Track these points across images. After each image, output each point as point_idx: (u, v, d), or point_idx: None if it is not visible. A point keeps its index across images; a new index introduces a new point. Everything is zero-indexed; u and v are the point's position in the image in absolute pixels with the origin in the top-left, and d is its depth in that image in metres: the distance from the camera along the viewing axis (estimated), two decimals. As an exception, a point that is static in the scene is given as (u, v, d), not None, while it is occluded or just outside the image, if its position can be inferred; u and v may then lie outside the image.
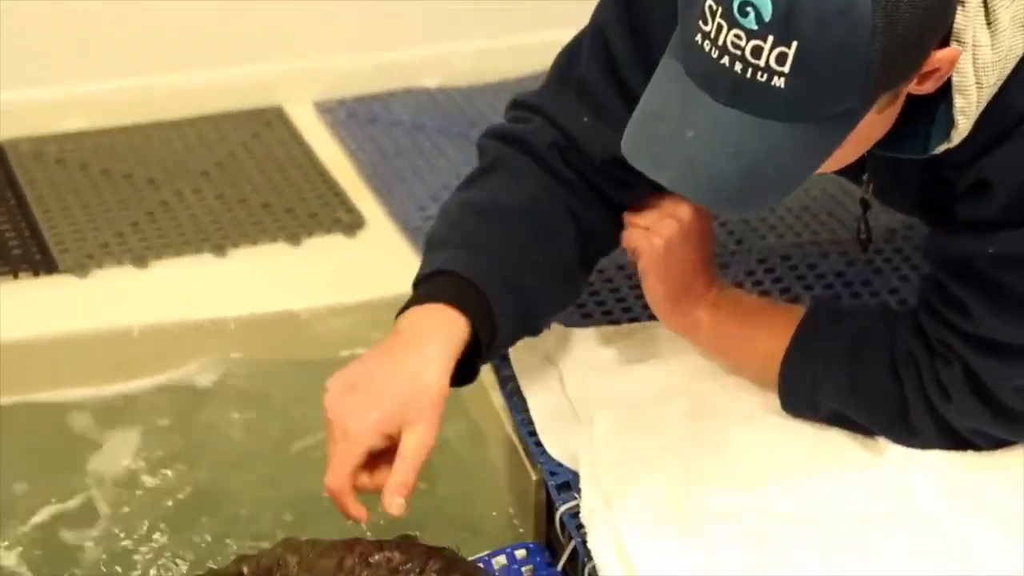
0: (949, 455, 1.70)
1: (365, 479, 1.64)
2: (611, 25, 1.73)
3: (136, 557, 1.89)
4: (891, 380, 1.67)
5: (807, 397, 1.74)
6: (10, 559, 1.88)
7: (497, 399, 1.97)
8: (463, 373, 1.73)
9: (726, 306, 1.83)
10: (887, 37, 1.33)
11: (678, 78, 1.43)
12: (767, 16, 1.33)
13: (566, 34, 1.86)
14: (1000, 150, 1.52)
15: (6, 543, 1.89)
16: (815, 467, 1.73)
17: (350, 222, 2.38)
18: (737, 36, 1.35)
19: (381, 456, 1.65)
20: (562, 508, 1.77)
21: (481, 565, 1.74)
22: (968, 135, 1.51)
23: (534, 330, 1.85)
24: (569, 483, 1.80)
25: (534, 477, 1.85)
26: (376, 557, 1.57)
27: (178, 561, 1.88)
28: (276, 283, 2.25)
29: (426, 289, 1.74)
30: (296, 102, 2.73)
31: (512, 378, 1.97)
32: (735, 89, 1.38)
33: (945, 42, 1.43)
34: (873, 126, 1.47)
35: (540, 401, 1.92)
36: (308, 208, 2.42)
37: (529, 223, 1.79)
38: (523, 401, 1.94)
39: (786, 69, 1.35)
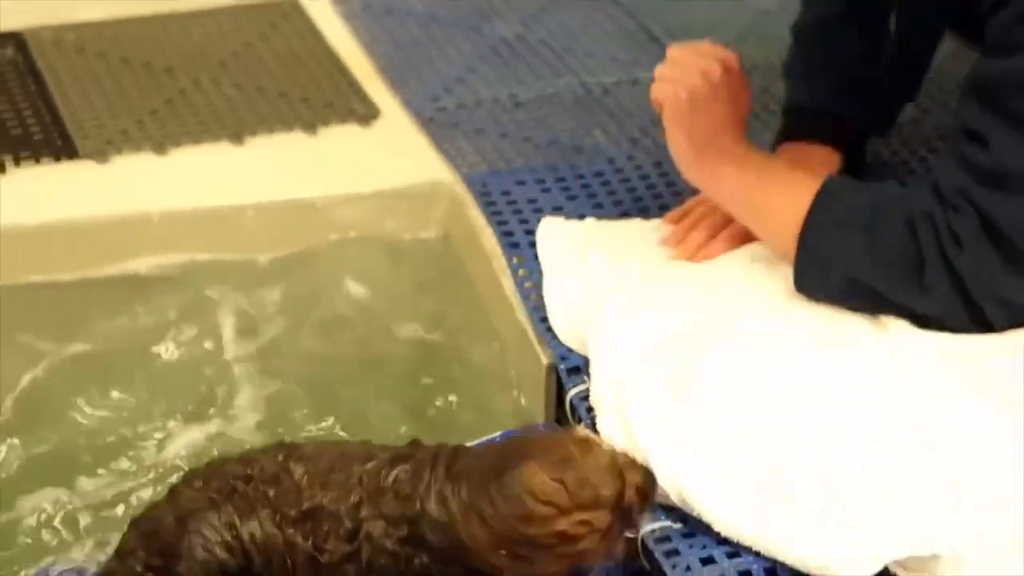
0: (956, 339, 1.72)
1: None
2: None
3: (147, 439, 1.94)
4: (908, 239, 1.68)
5: (822, 264, 1.75)
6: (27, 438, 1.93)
7: (508, 285, 2.00)
8: None
9: (753, 167, 1.83)
10: None
11: None
12: None
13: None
14: None
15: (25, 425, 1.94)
16: (821, 351, 1.75)
17: (365, 112, 2.40)
18: None
19: None
20: (572, 392, 1.80)
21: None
22: None
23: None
24: (579, 367, 1.83)
25: (544, 362, 1.88)
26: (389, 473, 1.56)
27: (189, 442, 1.93)
28: (292, 171, 2.27)
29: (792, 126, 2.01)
30: (311, -6, 2.75)
31: (523, 264, 2.01)
32: None
33: None
34: None
35: (555, 285, 1.94)
36: (324, 98, 2.43)
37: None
38: (534, 287, 1.97)
39: None
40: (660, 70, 1.84)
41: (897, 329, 1.74)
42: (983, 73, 1.65)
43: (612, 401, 1.72)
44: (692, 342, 1.78)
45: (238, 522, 1.54)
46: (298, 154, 2.31)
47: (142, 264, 2.17)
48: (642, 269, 1.92)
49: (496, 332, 2.07)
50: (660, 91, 1.83)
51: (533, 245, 2.03)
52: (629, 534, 1.56)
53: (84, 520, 1.80)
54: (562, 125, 2.34)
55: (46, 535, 1.77)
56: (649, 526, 1.61)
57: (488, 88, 2.45)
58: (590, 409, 1.75)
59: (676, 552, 1.57)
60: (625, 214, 2.10)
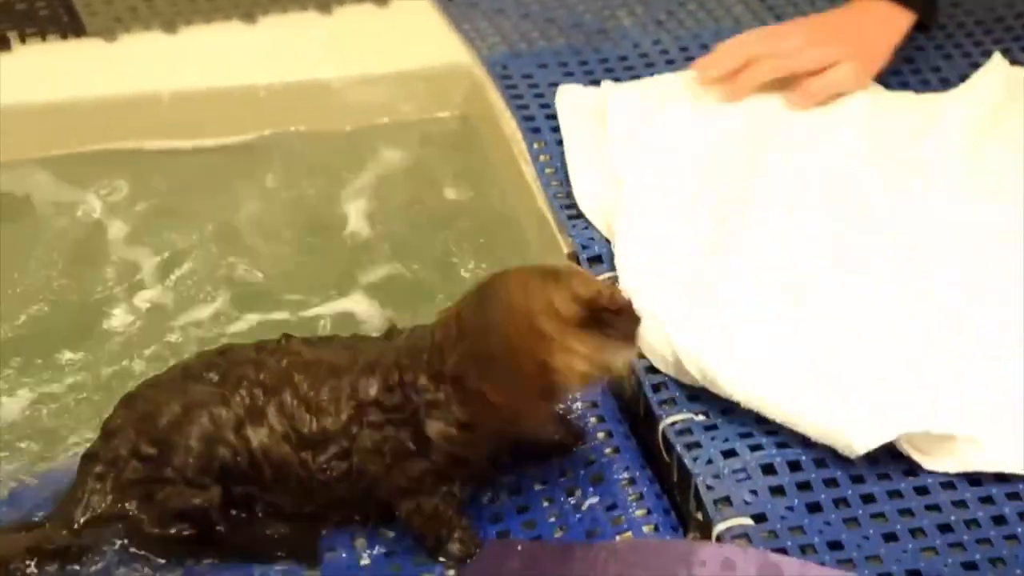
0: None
1: None
2: None
3: (152, 314, 1.91)
4: None
5: None
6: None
7: (529, 171, 1.96)
8: None
9: None
10: None
11: None
12: None
13: None
14: None
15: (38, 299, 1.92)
16: (845, 227, 1.75)
17: (381, -9, 2.33)
18: None
19: None
20: (594, 280, 1.77)
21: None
22: None
23: None
24: (601, 256, 1.80)
25: (565, 250, 1.84)
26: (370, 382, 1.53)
27: (196, 326, 1.90)
28: (306, 51, 2.21)
29: None
30: None
31: (544, 150, 1.97)
32: None
33: None
34: None
35: (578, 158, 1.92)
36: (339, -25, 2.36)
37: None
38: (555, 174, 1.93)
39: None
40: None
41: (918, 212, 1.74)
42: None
43: (636, 285, 1.69)
44: (719, 220, 1.76)
45: (250, 430, 1.51)
46: (312, 34, 2.25)
47: (151, 145, 2.13)
48: (665, 138, 1.89)
49: (516, 220, 2.03)
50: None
51: (555, 130, 1.99)
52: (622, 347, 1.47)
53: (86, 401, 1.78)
54: (586, 6, 2.26)
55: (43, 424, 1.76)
56: (670, 418, 1.58)
57: (509, -33, 2.38)
58: (612, 297, 1.71)
59: (697, 445, 1.55)
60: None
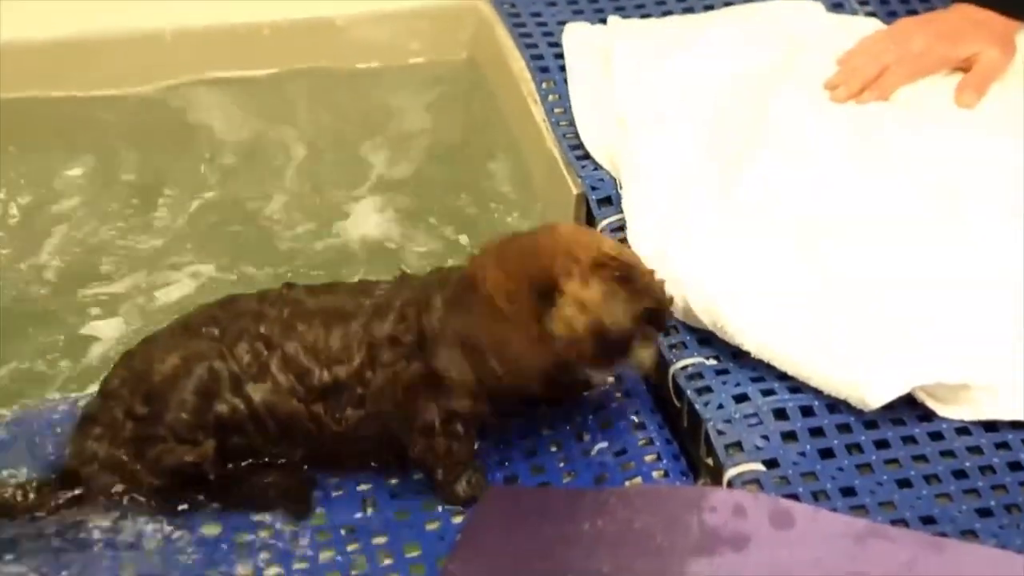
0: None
1: None
2: None
3: (153, 256, 1.91)
4: None
5: None
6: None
7: (537, 112, 1.93)
8: None
9: None
10: None
11: None
12: None
13: None
14: None
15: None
16: (860, 175, 1.72)
17: (386, -73, 2.30)
18: None
19: None
20: (603, 222, 1.75)
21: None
22: None
23: None
24: (610, 198, 1.77)
25: (575, 191, 1.82)
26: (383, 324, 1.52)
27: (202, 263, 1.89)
28: (311, -12, 2.19)
29: None
30: None
31: (553, 90, 1.94)
32: None
33: None
34: None
35: (583, 97, 1.90)
36: (345, -90, 2.33)
37: None
38: (564, 113, 1.90)
39: None
40: None
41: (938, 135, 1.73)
42: None
43: (645, 228, 1.68)
44: (727, 164, 1.73)
45: (251, 388, 1.50)
46: (317, -30, 2.22)
47: (153, 84, 2.11)
48: (671, 80, 1.86)
49: (524, 160, 2.00)
50: None
51: (564, 70, 1.96)
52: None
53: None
54: (598, -58, 2.23)
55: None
56: (680, 362, 1.56)
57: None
58: (623, 240, 1.69)
59: (708, 389, 1.53)
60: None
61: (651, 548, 1.38)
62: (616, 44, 1.92)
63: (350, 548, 1.47)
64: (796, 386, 1.52)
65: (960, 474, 1.46)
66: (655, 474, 1.49)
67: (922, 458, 1.47)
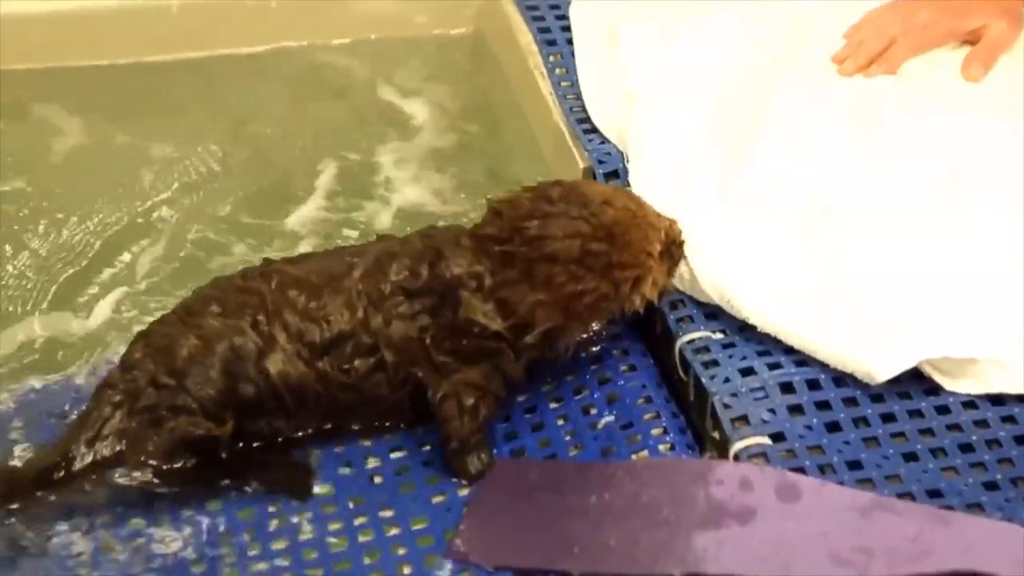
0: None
1: None
2: None
3: (152, 226, 1.90)
4: None
5: None
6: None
7: (545, 85, 1.93)
8: None
9: None
10: None
11: None
12: None
13: None
14: None
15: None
16: (864, 156, 1.71)
17: None
18: None
19: None
20: (609, 196, 1.74)
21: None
22: None
23: None
24: (617, 172, 1.77)
25: (582, 165, 1.81)
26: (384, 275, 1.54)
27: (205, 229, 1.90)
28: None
29: None
30: None
31: (560, 63, 1.93)
32: None
33: None
34: None
35: (592, 70, 1.89)
36: None
37: None
38: (571, 87, 1.90)
39: None
40: None
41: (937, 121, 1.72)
42: None
43: (652, 203, 1.64)
44: (735, 139, 1.73)
45: (267, 360, 1.50)
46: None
47: (158, 56, 2.11)
48: (679, 54, 1.86)
49: (531, 134, 1.99)
50: None
51: (571, 43, 1.96)
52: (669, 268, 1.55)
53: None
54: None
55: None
56: (687, 336, 1.56)
57: None
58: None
59: (715, 363, 1.53)
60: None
61: (658, 521, 1.39)
62: (622, 24, 1.91)
63: (357, 521, 1.47)
64: (802, 360, 1.52)
65: (966, 447, 1.46)
66: (661, 447, 1.49)
67: (928, 432, 1.47)
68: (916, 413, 1.49)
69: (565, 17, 2.00)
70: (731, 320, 1.57)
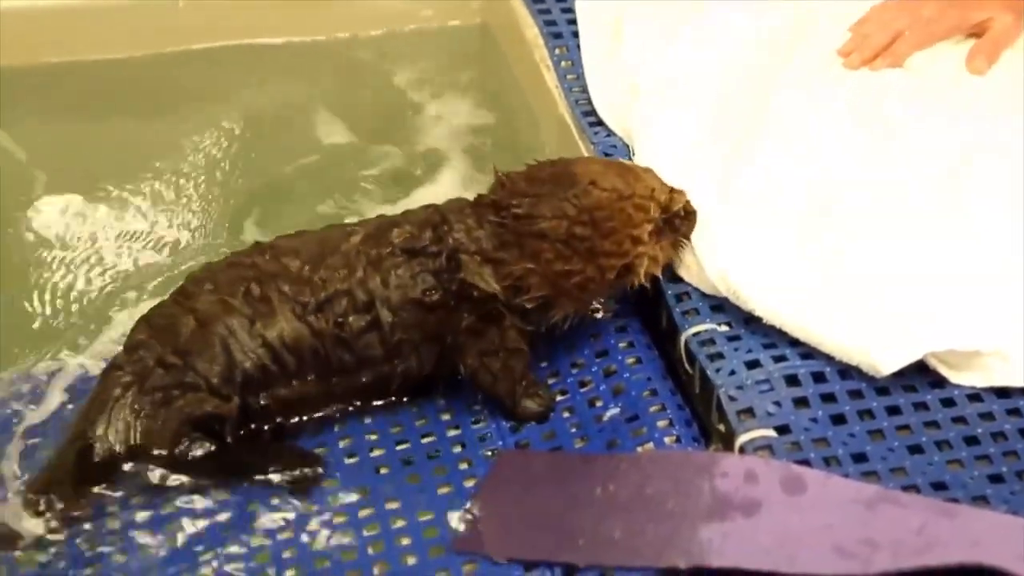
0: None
1: None
2: None
3: (158, 219, 1.92)
4: None
5: None
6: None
7: (550, 78, 1.93)
8: None
9: None
10: None
11: None
12: None
13: None
14: None
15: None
16: (867, 147, 1.71)
17: None
18: None
19: None
20: (615, 188, 1.74)
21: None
22: None
23: None
24: (622, 164, 1.77)
25: (587, 157, 1.82)
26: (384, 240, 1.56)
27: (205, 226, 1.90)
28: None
29: None
30: None
31: (566, 56, 1.94)
32: None
33: None
34: None
35: (597, 63, 1.89)
36: None
37: None
38: (577, 80, 1.90)
39: None
40: None
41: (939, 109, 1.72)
42: None
43: None
44: (740, 132, 1.73)
45: (261, 325, 1.51)
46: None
47: (166, 49, 2.12)
48: (684, 47, 1.86)
49: (537, 127, 2.00)
50: None
51: (576, 35, 1.96)
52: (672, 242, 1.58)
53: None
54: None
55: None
56: (692, 328, 1.56)
57: None
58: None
59: (720, 355, 1.53)
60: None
61: (663, 513, 1.39)
62: (627, 19, 1.91)
63: (362, 513, 1.47)
64: (808, 352, 1.52)
65: (972, 440, 1.45)
66: (667, 440, 1.49)
67: (934, 424, 1.47)
68: (921, 406, 1.48)
69: (571, 10, 2.00)
70: (737, 313, 1.56)
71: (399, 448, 1.55)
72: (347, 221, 1.86)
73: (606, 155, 1.78)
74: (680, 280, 1.61)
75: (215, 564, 1.43)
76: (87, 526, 1.46)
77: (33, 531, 1.44)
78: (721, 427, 1.48)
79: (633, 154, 1.75)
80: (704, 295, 1.59)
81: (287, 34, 2.15)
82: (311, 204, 1.93)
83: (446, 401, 1.58)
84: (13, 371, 1.64)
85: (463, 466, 1.52)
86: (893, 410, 1.48)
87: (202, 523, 1.46)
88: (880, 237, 1.60)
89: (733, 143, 1.71)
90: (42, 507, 1.46)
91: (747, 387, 1.49)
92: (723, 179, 1.67)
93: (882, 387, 1.49)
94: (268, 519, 1.47)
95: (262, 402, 1.53)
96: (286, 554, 1.43)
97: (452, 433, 1.56)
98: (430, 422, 1.57)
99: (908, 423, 1.47)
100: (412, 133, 2.06)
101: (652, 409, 1.53)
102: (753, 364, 1.51)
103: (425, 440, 1.55)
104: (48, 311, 1.76)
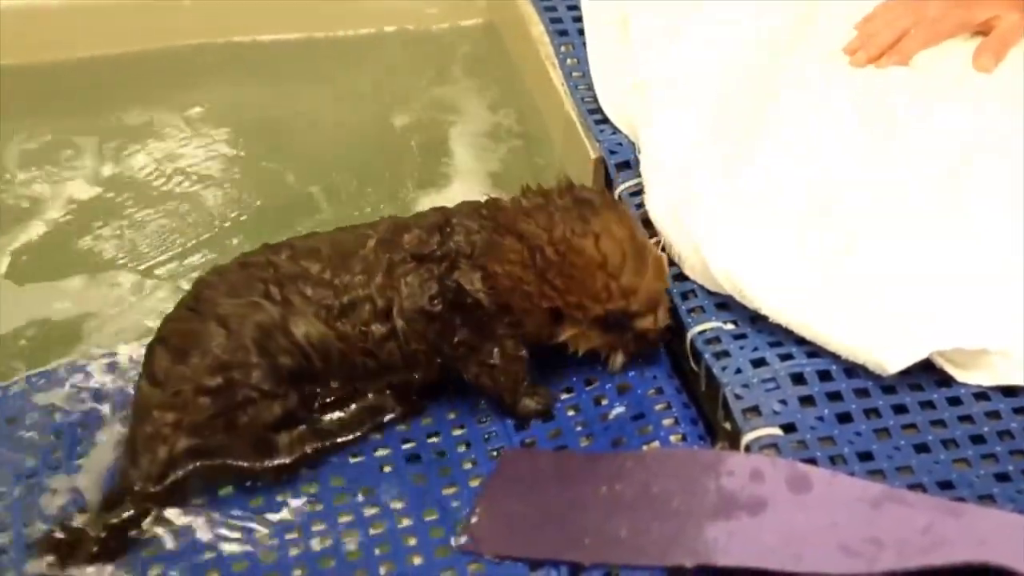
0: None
1: None
2: None
3: (169, 216, 1.92)
4: None
5: None
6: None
7: (556, 75, 1.92)
8: None
9: None
10: None
11: None
12: None
13: None
14: None
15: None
16: (871, 142, 1.70)
17: None
18: None
19: None
20: (622, 186, 1.74)
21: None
22: None
23: None
24: (628, 162, 1.76)
25: (593, 155, 1.81)
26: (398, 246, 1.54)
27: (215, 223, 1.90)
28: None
29: None
30: None
31: (572, 53, 1.93)
32: None
33: None
34: None
35: (604, 60, 1.89)
36: None
37: None
38: (583, 78, 1.89)
39: None
40: None
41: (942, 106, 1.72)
42: None
43: (663, 196, 1.66)
44: (746, 130, 1.72)
45: (291, 324, 1.50)
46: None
47: (171, 46, 2.12)
48: (690, 44, 1.85)
49: (543, 124, 2.00)
50: None
51: (583, 33, 1.95)
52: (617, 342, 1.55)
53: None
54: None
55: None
56: (698, 326, 1.56)
57: None
58: (640, 205, 1.69)
59: (726, 354, 1.52)
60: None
61: (668, 512, 1.39)
62: (633, 17, 1.91)
63: (368, 512, 1.48)
64: (814, 350, 1.51)
65: (978, 439, 1.45)
66: (673, 438, 1.49)
67: (940, 423, 1.46)
68: (928, 404, 1.48)
69: (576, 8, 2.00)
70: (743, 311, 1.56)
71: (404, 447, 1.55)
72: (353, 222, 1.88)
73: (612, 152, 1.78)
74: (685, 278, 1.61)
75: (220, 563, 1.43)
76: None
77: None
78: (727, 425, 1.48)
79: (639, 151, 1.75)
80: (710, 293, 1.59)
81: (292, 31, 2.15)
82: (314, 203, 1.93)
83: (451, 400, 1.58)
84: (32, 372, 1.64)
85: (468, 465, 1.53)
86: (899, 409, 1.47)
87: (206, 523, 1.46)
88: (882, 237, 1.59)
89: (733, 143, 1.71)
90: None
91: (753, 385, 1.49)
92: (724, 179, 1.66)
93: (888, 386, 1.49)
94: (273, 518, 1.47)
95: (311, 386, 1.53)
96: (292, 552, 1.44)
97: (457, 432, 1.56)
98: (435, 421, 1.57)
99: (914, 422, 1.46)
100: (416, 130, 2.05)
101: (658, 407, 1.53)
102: (759, 362, 1.51)
103: (430, 439, 1.55)
104: (52, 312, 1.76)
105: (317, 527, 1.46)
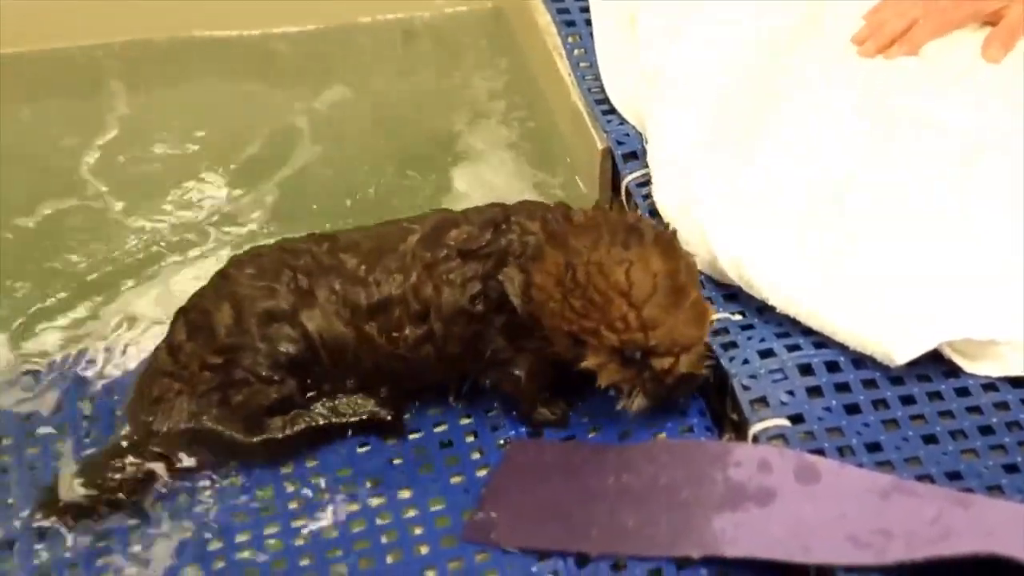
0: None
1: None
2: None
3: (176, 205, 1.92)
4: None
5: None
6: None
7: (563, 65, 1.92)
8: None
9: None
10: None
11: None
12: None
13: None
14: None
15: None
16: (878, 137, 1.69)
17: None
18: None
19: None
20: (629, 177, 1.74)
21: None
22: None
23: None
24: (636, 153, 1.76)
25: (600, 146, 1.81)
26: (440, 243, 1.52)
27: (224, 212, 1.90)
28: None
29: None
30: None
31: (578, 44, 1.93)
32: None
33: None
34: None
35: (611, 51, 1.89)
36: None
37: None
38: (590, 68, 1.89)
39: None
40: None
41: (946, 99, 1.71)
42: None
43: (670, 186, 1.66)
44: (754, 122, 1.71)
45: (304, 316, 1.49)
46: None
47: (164, 36, 2.12)
48: (698, 36, 1.84)
49: (550, 114, 1.99)
50: None
51: (590, 23, 1.95)
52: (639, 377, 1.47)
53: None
54: None
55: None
56: (706, 318, 1.55)
57: None
58: (647, 196, 1.68)
59: (734, 344, 1.52)
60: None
61: (676, 503, 1.39)
62: (640, 11, 1.90)
63: (375, 502, 1.48)
64: (821, 341, 1.51)
65: (986, 430, 1.45)
66: (680, 429, 1.49)
67: (948, 414, 1.46)
68: (936, 395, 1.48)
69: (583, -1, 2.00)
70: (750, 302, 1.56)
71: (412, 437, 1.55)
72: (354, 210, 1.89)
73: (619, 143, 1.78)
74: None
75: (227, 551, 1.43)
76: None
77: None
78: (734, 416, 1.48)
79: (647, 142, 1.74)
80: (717, 284, 1.59)
81: (300, 23, 2.14)
82: (332, 194, 1.93)
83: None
84: (39, 363, 1.64)
85: (475, 455, 1.53)
86: (907, 400, 1.47)
87: (214, 511, 1.47)
88: (882, 238, 1.58)
89: (734, 143, 1.70)
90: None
91: (761, 376, 1.48)
92: (724, 179, 1.65)
93: (896, 377, 1.48)
94: (281, 507, 1.47)
95: (315, 380, 1.52)
96: (299, 542, 1.44)
97: (465, 422, 1.56)
98: (443, 411, 1.57)
99: (922, 413, 1.46)
100: (425, 119, 2.05)
101: (665, 398, 1.53)
102: (767, 353, 1.50)
103: (437, 429, 1.55)
104: (59, 300, 1.76)
105: (323, 516, 1.46)
